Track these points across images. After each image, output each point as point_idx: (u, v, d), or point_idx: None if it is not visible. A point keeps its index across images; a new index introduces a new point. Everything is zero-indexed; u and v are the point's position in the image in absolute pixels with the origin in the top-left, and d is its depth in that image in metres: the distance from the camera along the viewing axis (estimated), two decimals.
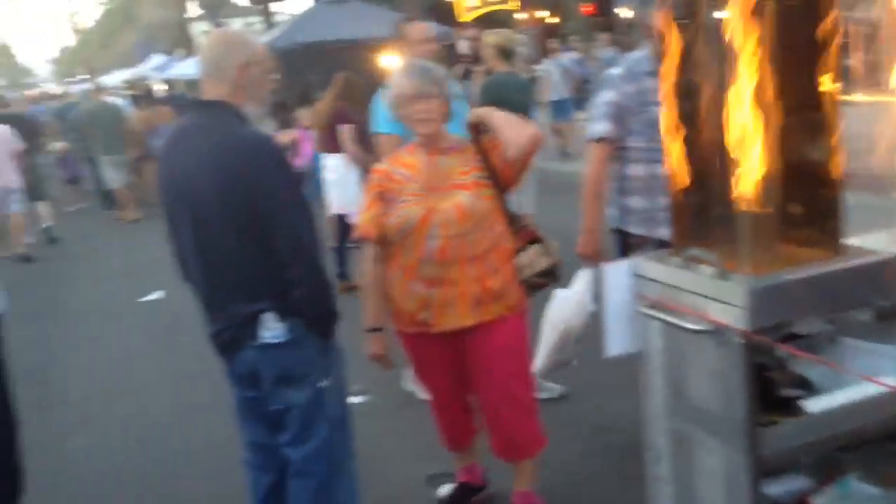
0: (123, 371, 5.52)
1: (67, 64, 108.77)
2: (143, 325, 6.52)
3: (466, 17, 18.11)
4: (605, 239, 3.47)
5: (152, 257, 8.70)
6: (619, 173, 3.39)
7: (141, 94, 13.39)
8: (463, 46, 7.37)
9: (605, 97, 3.31)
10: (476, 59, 6.92)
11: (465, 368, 2.94)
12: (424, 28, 3.91)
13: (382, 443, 3.95)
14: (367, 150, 6.51)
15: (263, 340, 2.43)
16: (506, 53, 5.83)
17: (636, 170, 3.27)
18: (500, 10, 18.26)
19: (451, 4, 19.39)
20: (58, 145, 12.79)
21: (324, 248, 2.52)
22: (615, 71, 3.36)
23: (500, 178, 2.85)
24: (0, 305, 3.27)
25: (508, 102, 5.77)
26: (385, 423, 4.20)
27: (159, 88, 16.75)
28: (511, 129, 2.79)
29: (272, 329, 2.42)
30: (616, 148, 3.33)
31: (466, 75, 6.58)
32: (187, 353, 5.55)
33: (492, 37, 5.92)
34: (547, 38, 19.88)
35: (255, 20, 34.12)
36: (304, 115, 6.65)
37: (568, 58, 13.76)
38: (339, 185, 6.68)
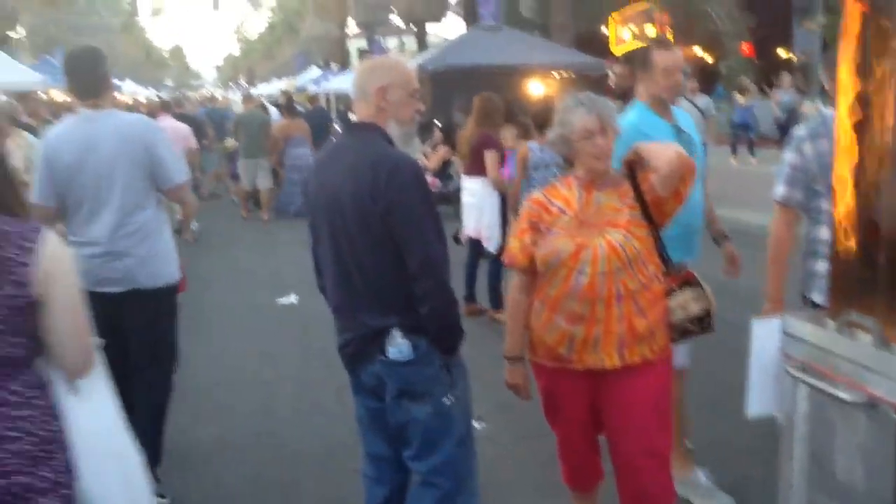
0: (252, 367, 5.75)
1: (230, 70, 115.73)
2: (276, 327, 6.77)
3: (618, 50, 17.93)
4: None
5: (291, 262, 9.07)
6: (806, 235, 3.18)
7: (282, 105, 14.03)
8: (610, 80, 7.28)
9: (787, 157, 3.13)
10: (623, 94, 6.81)
11: (601, 411, 2.84)
12: (677, 57, 3.48)
13: (500, 472, 3.91)
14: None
15: (390, 356, 2.51)
16: None
17: (823, 233, 3.03)
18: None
19: (601, 36, 19.27)
20: (230, 142, 13.60)
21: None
22: (801, 131, 3.18)
23: (654, 216, 2.78)
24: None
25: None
26: (504, 451, 4.16)
27: (305, 99, 17.43)
28: (660, 156, 2.72)
29: (398, 345, 2.49)
30: (801, 210, 3.15)
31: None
32: (315, 357, 5.73)
33: None
34: (700, 76, 19.43)
35: (409, 40, 35.17)
36: (508, 134, 6.69)
37: (703, 98, 13.30)
38: (477, 209, 6.73)
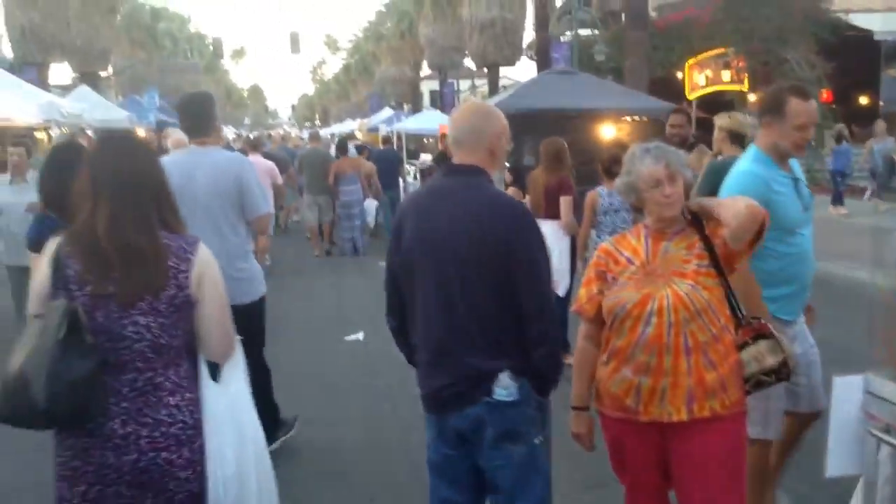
0: (317, 402, 5.79)
1: (305, 110, 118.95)
2: (342, 364, 6.82)
3: (692, 95, 17.76)
4: None
5: (356, 298, 9.17)
6: None
7: (337, 145, 14.49)
8: (670, 129, 7.18)
9: None
10: (681, 143, 6.72)
11: (670, 466, 2.76)
12: (812, 110, 3.32)
13: None
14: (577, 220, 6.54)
15: (498, 397, 2.51)
16: (737, 138, 5.64)
17: None
18: (730, 90, 17.73)
19: (676, 81, 19.13)
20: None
21: None
22: None
23: (725, 267, 2.72)
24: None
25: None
26: (569, 500, 4.07)
27: (376, 139, 17.87)
28: (729, 211, 2.68)
29: (507, 387, 2.51)
30: None
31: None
32: (379, 394, 5.74)
33: (724, 119, 5.74)
34: None
35: (482, 83, 35.58)
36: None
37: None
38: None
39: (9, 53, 25.62)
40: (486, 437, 2.55)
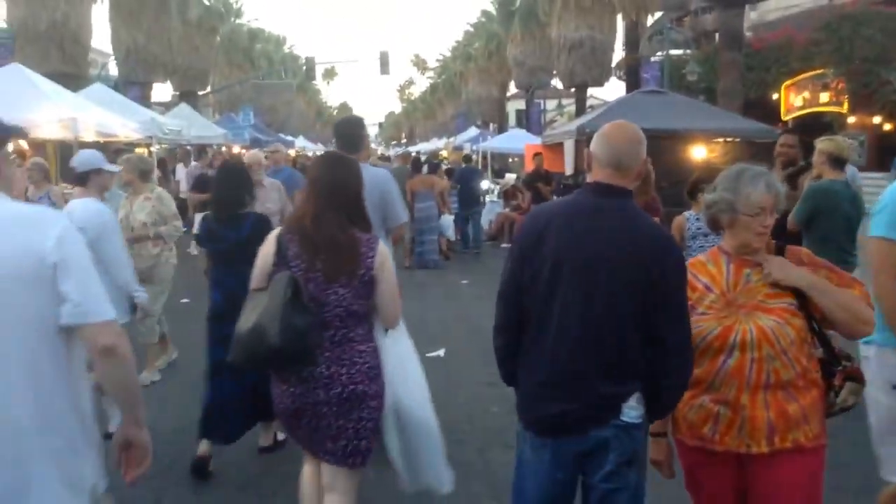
0: None
1: (392, 129, 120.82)
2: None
3: (788, 116, 17.23)
4: None
5: (436, 313, 9.20)
6: None
7: (412, 163, 14.65)
8: (777, 150, 6.93)
9: None
10: (788, 164, 6.50)
11: (747, 495, 2.68)
12: None
13: None
14: None
15: (627, 419, 2.50)
16: (837, 161, 5.45)
17: None
18: (828, 112, 17.13)
19: (770, 102, 18.59)
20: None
21: None
22: None
23: (817, 318, 2.61)
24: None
25: (835, 212, 5.40)
26: None
27: (459, 158, 17.97)
28: (841, 309, 2.57)
29: (635, 408, 2.51)
30: None
31: (790, 181, 6.15)
32: (461, 412, 5.72)
33: (824, 142, 5.56)
34: (879, 146, 18.26)
35: (569, 102, 35.42)
36: None
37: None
38: None
39: (114, 72, 26.90)
40: (609, 460, 2.51)
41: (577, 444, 2.53)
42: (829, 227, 5.43)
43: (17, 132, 2.56)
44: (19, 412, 1.99)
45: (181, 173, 17.63)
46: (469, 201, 14.71)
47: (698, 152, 12.00)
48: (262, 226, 4.47)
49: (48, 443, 2.03)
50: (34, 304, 2.02)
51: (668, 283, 2.45)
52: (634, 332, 2.47)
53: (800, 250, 2.74)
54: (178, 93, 30.63)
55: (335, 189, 3.20)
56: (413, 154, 19.79)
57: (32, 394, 2.01)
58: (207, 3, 31.29)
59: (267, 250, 3.20)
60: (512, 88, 42.53)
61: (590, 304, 2.48)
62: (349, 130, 4.89)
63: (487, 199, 17.28)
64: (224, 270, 4.67)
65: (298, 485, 3.52)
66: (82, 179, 5.35)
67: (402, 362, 3.40)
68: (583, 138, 12.93)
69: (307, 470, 3.45)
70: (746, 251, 2.66)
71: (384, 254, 3.22)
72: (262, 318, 2.95)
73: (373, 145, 79.46)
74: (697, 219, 5.74)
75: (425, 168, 14.23)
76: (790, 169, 6.39)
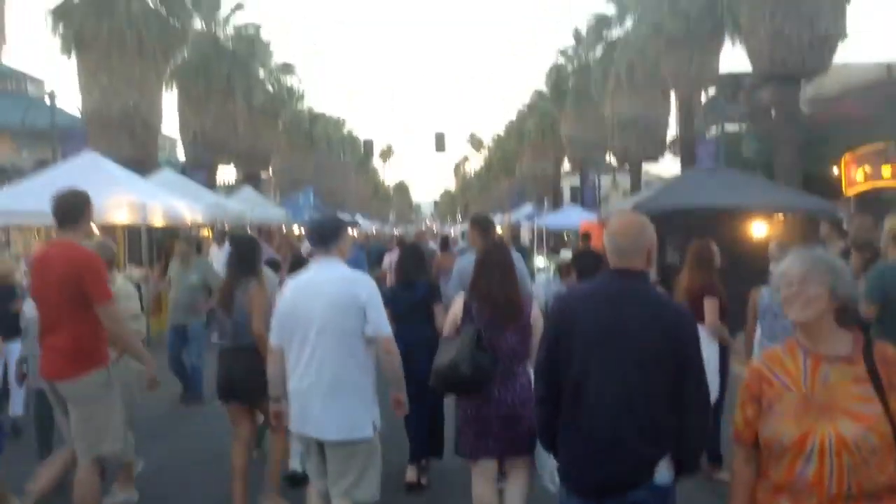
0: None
1: (447, 205, 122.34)
2: None
3: (850, 191, 16.92)
4: None
5: None
6: None
7: (440, 241, 14.63)
8: (848, 232, 6.74)
9: None
10: (860, 247, 6.32)
11: None
12: None
13: None
14: (724, 324, 6.28)
15: (660, 481, 2.80)
16: None
17: None
18: (892, 187, 16.76)
19: (830, 177, 18.31)
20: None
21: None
22: None
23: None
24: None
25: None
26: None
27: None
28: None
29: (667, 472, 2.83)
30: None
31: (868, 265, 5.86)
32: None
33: (893, 221, 5.40)
34: None
35: (623, 178, 35.45)
36: None
37: None
38: None
39: (181, 156, 27.97)
40: None
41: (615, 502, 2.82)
42: None
43: (353, 224, 3.77)
44: (341, 376, 4.02)
45: (215, 254, 14.44)
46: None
47: (758, 229, 11.82)
48: (431, 290, 6.23)
49: (355, 388, 4.06)
50: (353, 323, 4.02)
51: (688, 351, 2.85)
52: (666, 401, 2.81)
53: (887, 349, 2.56)
54: (241, 175, 31.63)
55: (504, 266, 4.55)
56: (442, 232, 19.90)
57: (346, 367, 4.03)
58: (271, 90, 32.53)
59: (456, 309, 4.58)
60: (566, 165, 42.80)
61: (626, 377, 2.83)
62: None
63: (543, 275, 17.18)
64: (402, 327, 5.60)
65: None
66: None
67: None
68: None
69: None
70: (808, 337, 2.56)
71: (537, 309, 4.50)
72: (456, 357, 4.24)
73: (427, 222, 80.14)
74: (771, 295, 5.63)
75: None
76: (867, 253, 6.14)
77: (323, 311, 3.97)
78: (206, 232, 16.89)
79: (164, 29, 21.22)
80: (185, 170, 23.58)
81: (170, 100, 26.44)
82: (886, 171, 16.87)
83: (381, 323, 4.05)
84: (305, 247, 8.88)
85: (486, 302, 4.44)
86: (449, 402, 5.48)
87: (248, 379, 5.10)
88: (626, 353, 2.84)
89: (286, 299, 4.15)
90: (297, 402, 4.06)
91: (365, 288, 4.07)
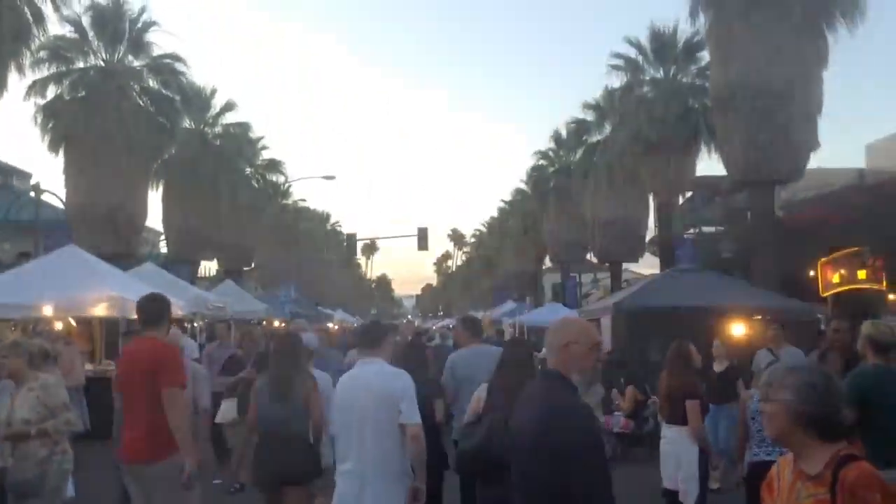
0: None
1: (429, 300, 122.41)
2: None
3: (826, 293, 17.17)
4: None
5: None
6: None
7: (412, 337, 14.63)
8: (833, 334, 6.76)
9: None
10: (846, 347, 6.32)
11: None
12: None
13: None
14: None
15: None
16: (881, 347, 5.33)
17: None
18: (867, 289, 17.04)
19: (807, 280, 18.60)
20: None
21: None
22: None
23: None
24: None
25: (883, 401, 5.18)
26: None
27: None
28: None
29: None
30: None
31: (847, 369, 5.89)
32: None
33: (868, 328, 5.45)
34: None
35: (604, 276, 35.78)
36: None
37: None
38: (675, 458, 6.40)
39: (164, 250, 28.03)
40: None
41: None
42: (882, 418, 5.10)
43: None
44: (380, 458, 4.54)
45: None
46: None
47: (738, 330, 11.92)
48: (432, 387, 6.13)
49: (390, 470, 4.56)
50: (390, 412, 4.55)
51: (566, 445, 2.85)
52: (553, 495, 2.87)
53: (851, 471, 2.44)
54: (223, 269, 31.63)
55: (521, 362, 4.74)
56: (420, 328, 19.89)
57: (384, 451, 4.55)
58: (256, 186, 32.90)
59: (479, 396, 4.84)
60: (547, 262, 43.19)
61: (518, 474, 3.04)
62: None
63: None
64: None
65: None
66: None
67: None
68: (620, 315, 12.97)
69: None
70: (792, 452, 2.55)
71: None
72: (483, 440, 4.41)
73: (409, 316, 79.90)
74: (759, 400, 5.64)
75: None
76: (847, 356, 6.16)
77: (367, 403, 4.64)
78: (187, 325, 16.76)
79: (152, 127, 21.53)
80: (167, 264, 23.57)
81: (155, 195, 26.69)
82: (862, 274, 17.18)
83: (411, 413, 4.60)
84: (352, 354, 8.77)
85: (510, 392, 4.46)
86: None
87: (303, 462, 5.41)
88: (521, 450, 3.04)
89: (338, 393, 4.85)
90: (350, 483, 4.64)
91: (402, 381, 4.71)
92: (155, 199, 26.59)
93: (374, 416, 4.57)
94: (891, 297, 16.81)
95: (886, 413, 5.09)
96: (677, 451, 6.41)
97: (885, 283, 16.78)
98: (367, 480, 4.55)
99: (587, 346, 3.09)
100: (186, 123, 26.84)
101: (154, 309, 5.27)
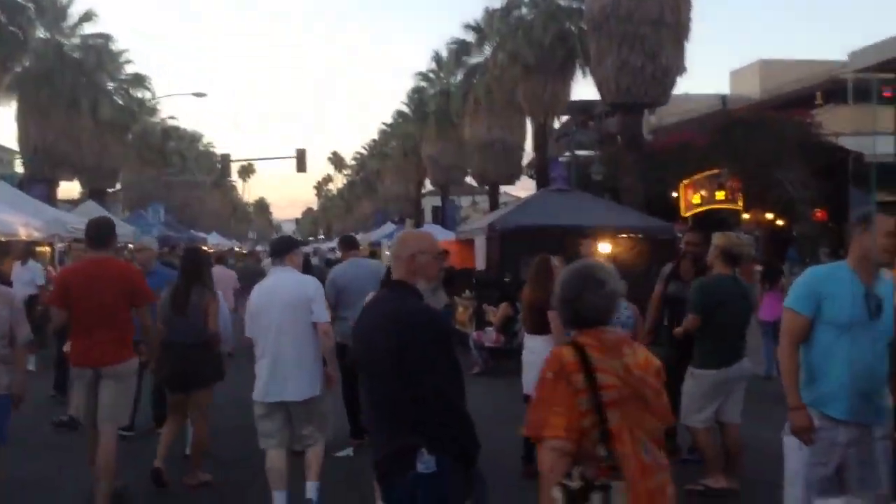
0: None
1: (310, 224, 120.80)
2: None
3: (687, 213, 18.06)
4: None
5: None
6: None
7: (304, 260, 14.54)
8: (686, 246, 7.14)
9: None
10: (698, 258, 6.65)
11: None
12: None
13: None
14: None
15: (422, 470, 2.87)
16: (731, 257, 5.65)
17: None
18: (725, 209, 18.04)
19: (670, 200, 19.48)
20: None
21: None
22: None
23: None
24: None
25: (726, 308, 5.55)
26: None
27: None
28: None
29: (425, 462, 2.87)
30: None
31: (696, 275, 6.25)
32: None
33: (718, 237, 5.75)
34: (772, 241, 19.23)
35: (482, 199, 36.27)
36: None
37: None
38: (536, 367, 6.61)
39: (20, 170, 26.28)
40: None
41: (396, 490, 2.96)
42: (719, 324, 5.55)
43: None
44: (297, 353, 5.11)
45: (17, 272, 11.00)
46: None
47: (604, 248, 12.37)
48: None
49: (310, 365, 5.18)
50: (304, 313, 5.14)
51: (415, 346, 2.94)
52: (407, 395, 2.93)
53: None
54: (86, 190, 29.99)
55: None
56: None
57: (301, 347, 5.13)
58: (121, 102, 31.06)
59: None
60: (428, 185, 43.30)
61: (371, 378, 3.10)
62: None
63: None
64: None
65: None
66: None
67: None
68: (494, 235, 13.21)
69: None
70: None
71: None
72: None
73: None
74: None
75: None
76: (698, 265, 6.49)
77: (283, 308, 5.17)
78: (44, 248, 15.86)
79: (3, 38, 19.92)
80: (22, 184, 22.10)
81: (8, 109, 24.82)
82: (720, 194, 18.15)
83: (321, 312, 5.26)
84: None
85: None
86: None
87: (201, 369, 6.04)
88: (369, 356, 3.09)
89: (253, 301, 5.34)
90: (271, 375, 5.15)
91: (312, 287, 5.33)
92: (8, 115, 24.77)
93: (291, 316, 5.17)
94: (745, 216, 17.85)
95: (723, 319, 5.53)
96: (538, 360, 6.61)
97: (741, 203, 17.80)
98: (288, 374, 5.13)
99: (432, 255, 3.23)
100: (41, 34, 24.91)
101: (104, 229, 5.74)
